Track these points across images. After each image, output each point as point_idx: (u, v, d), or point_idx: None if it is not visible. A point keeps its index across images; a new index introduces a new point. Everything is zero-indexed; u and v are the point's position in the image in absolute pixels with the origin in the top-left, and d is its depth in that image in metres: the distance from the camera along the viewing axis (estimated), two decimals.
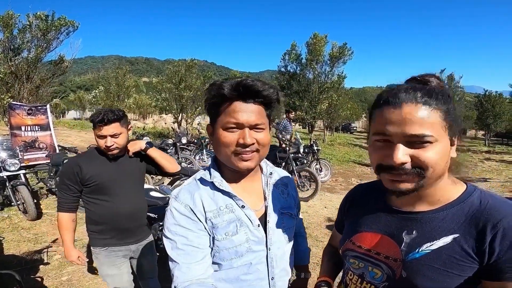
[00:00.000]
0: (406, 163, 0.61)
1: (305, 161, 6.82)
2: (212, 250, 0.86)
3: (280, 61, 14.58)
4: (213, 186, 0.88)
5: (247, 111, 0.79)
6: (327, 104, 14.52)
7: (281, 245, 0.94)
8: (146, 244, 1.91)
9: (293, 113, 7.65)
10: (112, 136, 1.64)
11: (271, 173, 0.97)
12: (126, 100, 21.48)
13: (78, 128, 16.65)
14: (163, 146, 7.48)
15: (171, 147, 7.55)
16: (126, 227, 1.78)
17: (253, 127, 0.81)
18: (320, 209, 5.16)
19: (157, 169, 1.93)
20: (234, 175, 0.89)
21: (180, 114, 13.55)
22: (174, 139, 8.02)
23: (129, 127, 1.77)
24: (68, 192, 1.68)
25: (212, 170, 0.89)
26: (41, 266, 2.97)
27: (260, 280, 0.90)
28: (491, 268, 0.60)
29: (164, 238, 0.85)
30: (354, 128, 37.89)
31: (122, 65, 22.67)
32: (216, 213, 0.85)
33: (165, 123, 22.10)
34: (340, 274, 0.95)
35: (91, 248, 1.79)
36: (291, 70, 14.33)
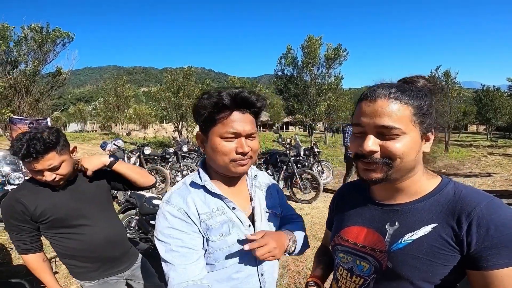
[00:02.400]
0: (375, 152, 0.65)
1: (306, 164, 6.81)
2: (205, 252, 0.88)
3: (277, 65, 14.69)
4: (205, 190, 0.91)
5: (244, 121, 0.85)
6: (325, 106, 14.55)
7: None
8: (140, 266, 1.70)
9: None
10: (49, 170, 1.27)
11: (255, 175, 1.04)
12: (126, 110, 21.64)
13: (80, 141, 16.70)
14: (164, 155, 7.51)
15: (173, 156, 7.57)
16: (110, 256, 1.53)
17: (249, 136, 0.86)
18: (324, 211, 5.14)
19: (126, 184, 1.61)
20: (223, 179, 0.94)
21: (180, 123, 13.60)
22: (175, 148, 8.04)
23: (72, 149, 1.39)
24: (22, 233, 1.35)
25: (201, 174, 0.92)
26: None
27: (250, 277, 0.94)
28: (472, 257, 0.62)
29: (156, 242, 0.86)
30: None
31: (120, 75, 22.84)
32: (209, 215, 0.88)
33: (166, 132, 22.15)
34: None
35: (78, 281, 1.52)
36: (288, 74, 14.41)
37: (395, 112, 0.64)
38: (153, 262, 2.13)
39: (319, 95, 13.78)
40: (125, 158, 5.77)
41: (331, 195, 4.99)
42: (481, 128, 38.82)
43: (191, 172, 7.34)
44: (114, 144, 6.48)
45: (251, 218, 0.96)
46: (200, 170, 0.94)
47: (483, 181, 7.65)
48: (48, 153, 1.24)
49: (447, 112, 14.69)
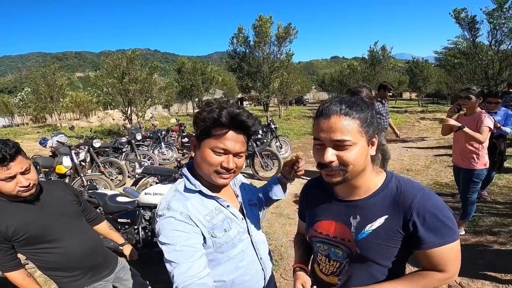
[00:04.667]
0: (333, 161, 0.79)
1: (265, 141, 7.01)
2: (213, 247, 0.96)
3: (229, 45, 14.34)
4: (200, 193, 0.99)
5: (236, 141, 0.92)
6: (279, 82, 14.82)
7: (257, 229, 1.14)
8: (123, 268, 1.75)
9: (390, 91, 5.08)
10: (23, 173, 1.28)
11: None
12: (61, 100, 19.35)
13: (11, 137, 14.56)
14: (116, 145, 7.03)
15: (126, 146, 7.13)
16: (92, 264, 1.55)
17: (237, 154, 0.94)
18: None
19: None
20: (210, 182, 1.01)
21: (129, 108, 12.66)
22: (127, 136, 7.57)
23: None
24: None
25: (192, 180, 1.00)
26: None
27: (253, 263, 1.07)
28: (416, 239, 0.80)
29: (161, 246, 0.90)
30: (307, 100, 39.32)
31: (47, 62, 20.08)
32: (211, 215, 0.97)
33: (113, 119, 20.47)
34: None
35: None
36: (241, 53, 14.21)
37: (346, 126, 0.76)
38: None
39: (272, 72, 13.95)
40: (73, 154, 5.28)
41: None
42: (414, 95, 43.37)
43: (149, 160, 7.06)
44: (57, 141, 5.87)
45: (241, 211, 1.10)
46: (190, 177, 1.01)
47: (418, 145, 8.69)
48: (17, 155, 1.26)
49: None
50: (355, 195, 0.89)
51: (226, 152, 0.92)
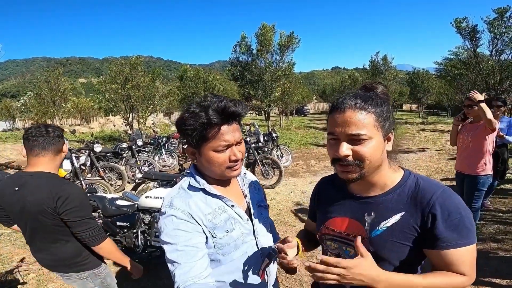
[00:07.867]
0: (348, 156, 0.76)
1: (266, 149, 7.00)
2: (214, 248, 0.94)
3: (232, 53, 14.49)
4: (204, 192, 0.96)
5: (233, 131, 0.91)
6: (280, 91, 14.91)
7: (265, 232, 1.09)
8: None
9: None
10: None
11: (244, 173, 1.13)
12: (63, 105, 19.44)
13: (11, 141, 14.53)
14: (117, 151, 7.02)
15: (127, 151, 7.13)
16: None
17: (238, 143, 0.93)
18: (287, 195, 5.39)
19: None
20: (217, 181, 1.00)
21: (131, 115, 12.72)
22: (128, 142, 7.57)
23: None
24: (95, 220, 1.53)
25: (197, 177, 0.97)
26: (19, 287, 2.85)
27: (257, 266, 1.01)
28: (431, 238, 0.77)
29: (163, 245, 0.89)
30: (307, 110, 39.43)
31: (51, 67, 20.28)
32: (214, 214, 0.94)
33: (114, 125, 20.54)
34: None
35: (92, 272, 1.57)
36: (243, 61, 14.34)
37: (361, 120, 0.75)
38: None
39: (274, 81, 14.04)
40: (73, 158, 5.26)
41: (292, 178, 5.24)
42: (414, 107, 43.51)
43: (149, 166, 7.03)
44: None
45: (248, 212, 1.05)
46: (194, 173, 0.99)
47: (419, 156, 8.66)
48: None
49: None
50: (370, 192, 0.86)
51: (229, 145, 0.91)
